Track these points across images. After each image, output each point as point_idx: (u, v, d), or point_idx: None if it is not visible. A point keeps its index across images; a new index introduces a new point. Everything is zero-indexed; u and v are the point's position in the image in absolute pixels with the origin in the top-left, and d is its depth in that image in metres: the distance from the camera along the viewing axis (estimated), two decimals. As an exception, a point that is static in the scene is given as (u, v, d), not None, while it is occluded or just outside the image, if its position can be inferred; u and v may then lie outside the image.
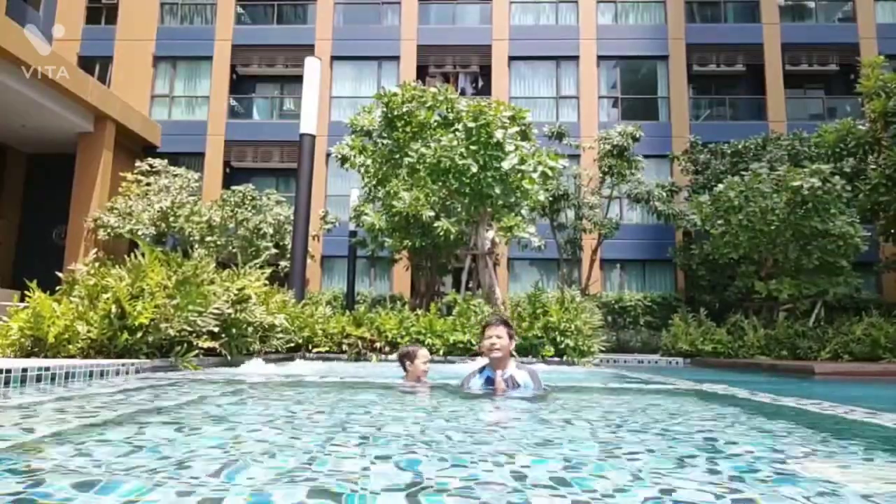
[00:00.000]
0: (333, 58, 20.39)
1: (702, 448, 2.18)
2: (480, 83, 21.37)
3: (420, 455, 1.90)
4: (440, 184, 11.94)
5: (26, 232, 18.74)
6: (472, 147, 10.80)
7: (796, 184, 12.51)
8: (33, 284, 5.32)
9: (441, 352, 9.55)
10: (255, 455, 1.83)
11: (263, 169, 20.40)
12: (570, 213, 17.37)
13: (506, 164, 10.58)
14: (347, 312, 10.95)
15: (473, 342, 9.42)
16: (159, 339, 5.49)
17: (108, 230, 15.45)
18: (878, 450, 2.28)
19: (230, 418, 2.75)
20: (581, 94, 20.01)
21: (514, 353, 4.24)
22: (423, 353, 4.58)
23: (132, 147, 18.61)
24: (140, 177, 16.75)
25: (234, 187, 16.59)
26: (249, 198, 16.28)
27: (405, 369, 4.57)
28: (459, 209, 12.85)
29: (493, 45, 20.29)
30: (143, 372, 4.93)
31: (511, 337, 4.00)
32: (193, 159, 19.56)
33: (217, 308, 6.14)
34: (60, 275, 6.04)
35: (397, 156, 12.63)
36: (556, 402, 3.74)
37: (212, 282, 6.44)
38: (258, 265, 8.26)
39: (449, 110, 12.33)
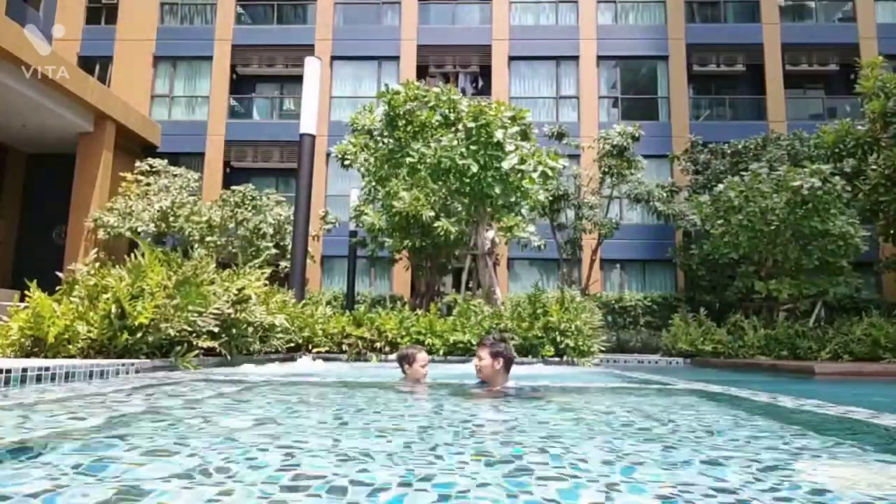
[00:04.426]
0: (333, 58, 20.39)
1: (700, 448, 2.18)
2: (480, 83, 21.36)
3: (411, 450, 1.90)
4: (440, 184, 11.94)
5: (26, 232, 18.74)
6: (473, 147, 10.79)
7: (796, 184, 12.51)
8: (33, 284, 5.32)
9: (441, 352, 9.54)
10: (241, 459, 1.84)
11: (263, 169, 20.40)
12: (570, 213, 17.37)
13: (506, 164, 10.57)
14: (347, 312, 10.95)
15: (473, 342, 9.41)
16: (159, 339, 5.49)
17: (108, 230, 15.45)
18: (879, 450, 2.28)
19: (225, 419, 2.75)
20: (581, 94, 20.01)
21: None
22: (422, 356, 4.54)
23: (132, 147, 18.61)
24: (140, 177, 16.75)
25: (234, 187, 16.59)
26: (249, 198, 16.27)
27: (404, 371, 4.56)
28: (459, 209, 12.85)
29: (493, 45, 20.29)
30: (143, 372, 4.93)
31: (496, 356, 3.90)
32: (193, 159, 19.56)
33: (217, 308, 6.14)
34: (60, 275, 6.04)
35: (398, 155, 12.63)
36: (554, 402, 3.74)
37: (212, 282, 6.44)
38: (258, 265, 8.25)
39: (450, 110, 12.33)
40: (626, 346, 16.73)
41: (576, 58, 20.22)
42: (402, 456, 1.88)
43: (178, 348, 5.62)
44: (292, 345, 8.97)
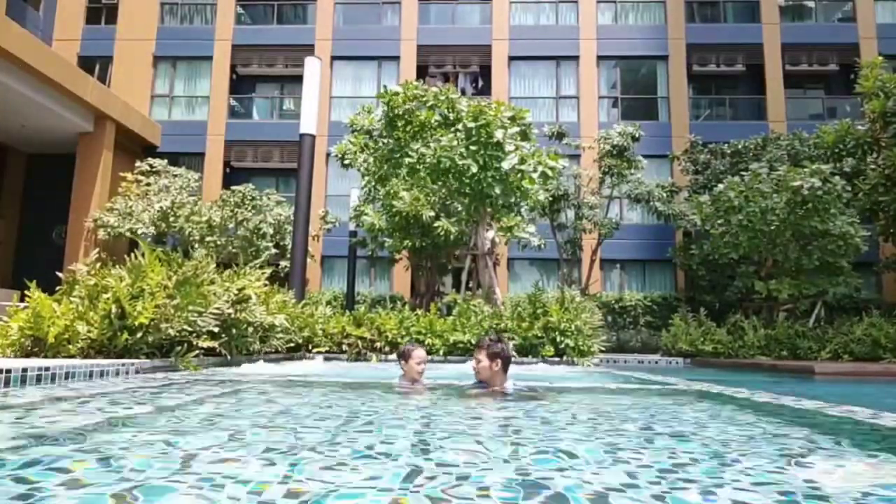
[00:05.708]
0: (333, 58, 20.39)
1: (700, 448, 2.18)
2: (480, 83, 21.36)
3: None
4: (440, 184, 11.94)
5: (26, 232, 18.74)
6: (472, 147, 10.79)
7: (796, 184, 12.51)
8: (33, 284, 5.32)
9: (441, 352, 9.55)
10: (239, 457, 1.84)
11: (263, 169, 20.40)
12: (570, 213, 17.37)
13: (506, 164, 10.57)
14: (347, 312, 10.95)
15: (473, 342, 9.41)
16: (159, 339, 5.49)
17: (108, 230, 15.45)
18: (878, 450, 2.28)
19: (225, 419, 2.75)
20: (581, 94, 20.01)
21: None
22: (418, 353, 4.43)
23: (132, 147, 18.61)
24: (140, 177, 16.74)
25: (234, 187, 16.59)
26: (249, 198, 16.27)
27: (402, 369, 4.55)
28: (459, 209, 12.85)
29: (493, 45, 20.29)
30: (143, 372, 4.93)
31: (494, 358, 3.88)
32: (193, 159, 19.56)
33: (217, 308, 6.14)
34: (60, 275, 6.04)
35: (398, 155, 12.63)
36: (553, 402, 3.74)
37: (212, 282, 6.44)
38: (258, 265, 8.25)
39: (449, 110, 12.33)
40: (626, 346, 16.73)
41: (576, 58, 20.21)
42: (396, 456, 1.89)
43: (178, 348, 5.62)
44: (292, 345, 8.97)
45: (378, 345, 9.82)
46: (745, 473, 1.71)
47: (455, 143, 10.91)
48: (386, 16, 21.15)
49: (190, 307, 5.73)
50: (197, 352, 5.79)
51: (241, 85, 21.22)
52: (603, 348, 10.58)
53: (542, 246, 15.37)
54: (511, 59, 20.31)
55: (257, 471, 1.62)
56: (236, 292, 6.80)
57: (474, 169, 10.64)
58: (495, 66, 20.22)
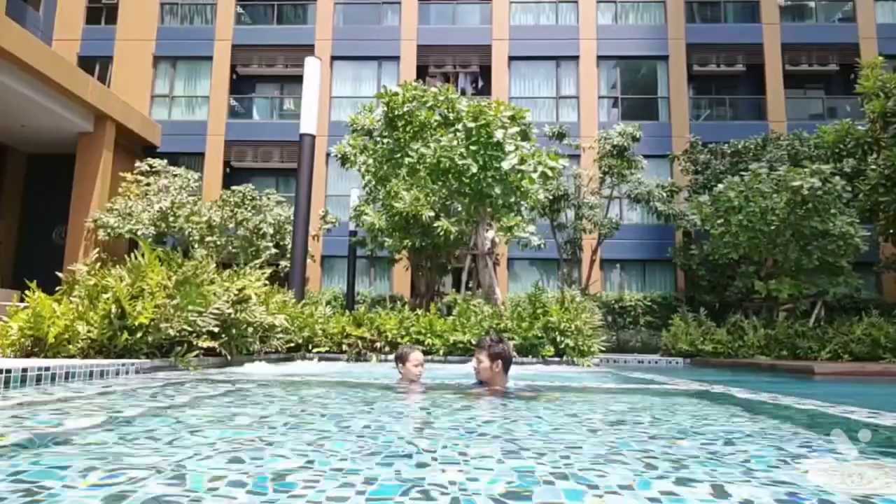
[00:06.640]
0: (333, 58, 20.40)
1: (700, 448, 2.18)
2: (480, 83, 21.36)
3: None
4: (440, 184, 11.93)
5: (26, 232, 18.74)
6: (472, 147, 10.79)
7: (796, 184, 12.51)
8: (33, 284, 5.32)
9: (441, 352, 9.54)
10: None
11: (263, 169, 20.40)
12: (570, 213, 17.37)
13: (506, 164, 10.57)
14: (347, 312, 10.94)
15: (473, 342, 9.41)
16: (159, 339, 5.49)
17: (108, 230, 15.44)
18: (878, 450, 2.28)
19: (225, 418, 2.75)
20: (581, 94, 20.01)
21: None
22: (415, 355, 4.48)
23: (132, 147, 18.61)
24: (140, 177, 16.74)
25: (234, 187, 16.58)
26: (249, 198, 16.27)
27: (400, 371, 4.56)
28: (459, 209, 12.85)
29: (493, 45, 20.29)
30: (143, 372, 4.93)
31: (495, 359, 3.88)
32: (193, 159, 19.55)
33: (217, 308, 6.14)
34: (60, 275, 6.04)
35: (398, 155, 12.63)
36: (553, 402, 3.74)
37: (212, 282, 6.44)
38: (258, 265, 8.25)
39: (449, 110, 12.33)
40: (626, 346, 16.72)
41: (576, 58, 20.22)
42: (391, 456, 1.89)
43: (178, 348, 5.61)
44: (292, 345, 8.96)
45: (378, 345, 9.80)
46: (747, 473, 1.71)
47: (455, 143, 10.91)
48: (386, 16, 21.16)
49: (190, 307, 5.73)
50: (197, 352, 5.79)
51: (241, 85, 21.22)
52: (603, 348, 10.56)
53: (542, 246, 15.38)
54: (511, 59, 20.31)
55: (253, 471, 1.62)
56: (236, 292, 6.80)
57: (474, 169, 10.64)
58: (495, 66, 20.22)
